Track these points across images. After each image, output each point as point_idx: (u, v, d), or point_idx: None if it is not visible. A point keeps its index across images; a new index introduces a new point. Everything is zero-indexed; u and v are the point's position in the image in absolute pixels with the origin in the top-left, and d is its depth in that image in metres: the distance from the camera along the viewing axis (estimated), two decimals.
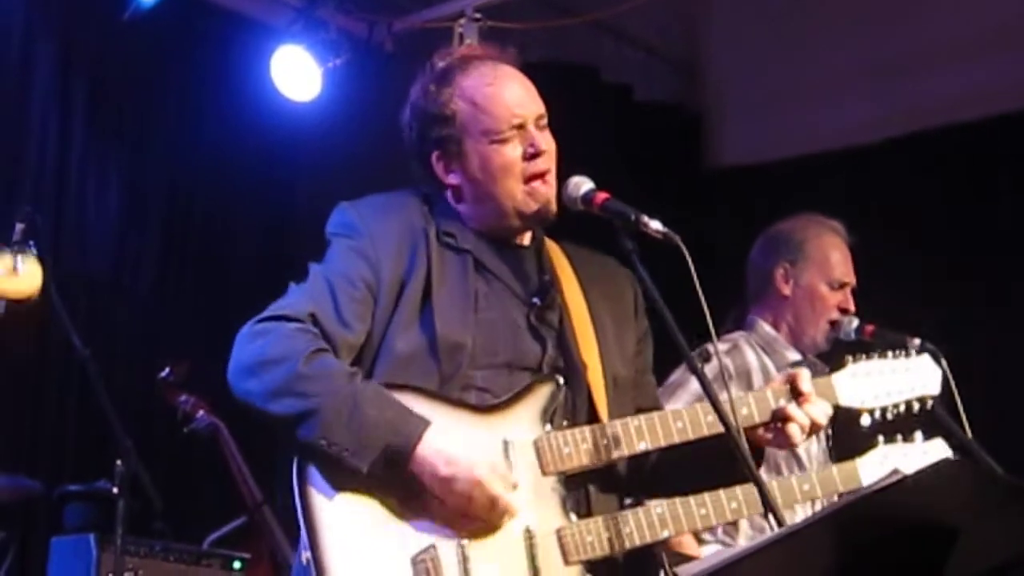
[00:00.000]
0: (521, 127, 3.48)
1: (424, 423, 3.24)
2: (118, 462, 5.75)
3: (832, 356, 4.66)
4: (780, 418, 3.43)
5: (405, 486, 3.25)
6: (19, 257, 2.97)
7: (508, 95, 3.51)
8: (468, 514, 3.25)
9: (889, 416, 3.60)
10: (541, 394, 3.40)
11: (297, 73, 7.65)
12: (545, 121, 3.53)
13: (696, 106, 8.96)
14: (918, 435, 3.66)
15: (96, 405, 5.74)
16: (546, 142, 3.50)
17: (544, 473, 3.34)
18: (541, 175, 3.47)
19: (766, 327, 4.84)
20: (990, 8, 7.50)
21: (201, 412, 6.44)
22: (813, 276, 4.79)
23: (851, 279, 4.84)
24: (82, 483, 6.39)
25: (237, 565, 6.61)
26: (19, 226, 5.79)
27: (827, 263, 4.81)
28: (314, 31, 7.67)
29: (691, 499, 3.40)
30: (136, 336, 7.34)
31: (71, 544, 6.39)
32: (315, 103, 7.71)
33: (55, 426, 7.23)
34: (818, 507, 3.86)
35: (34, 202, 6.82)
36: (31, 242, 5.72)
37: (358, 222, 3.50)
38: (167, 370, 6.49)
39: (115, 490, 5.79)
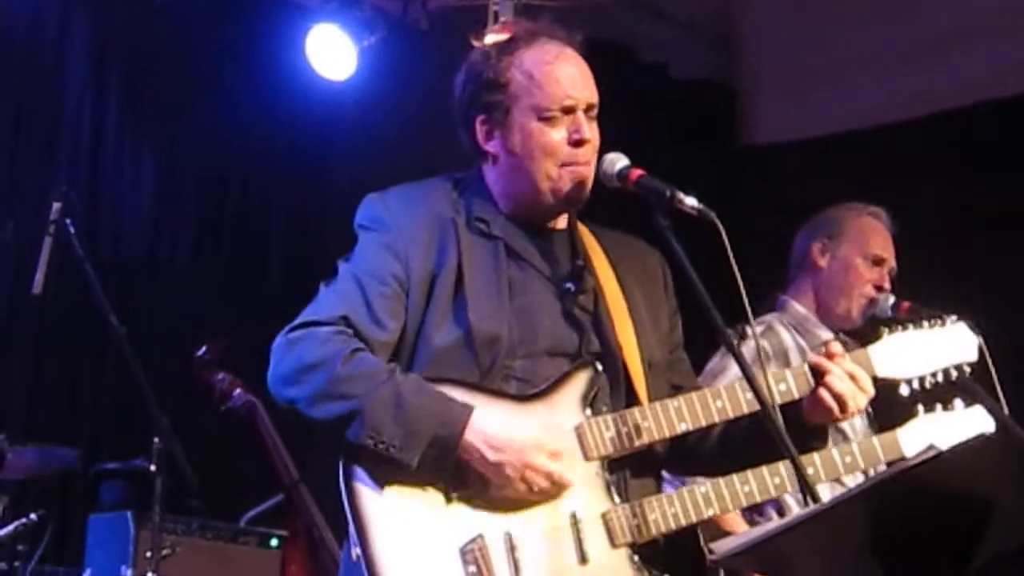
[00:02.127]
0: (570, 111, 3.47)
1: (468, 410, 3.26)
2: (155, 440, 5.80)
3: (867, 334, 4.68)
4: (820, 376, 3.43)
5: (450, 477, 3.28)
6: None
7: (564, 77, 3.48)
8: (523, 496, 3.28)
9: (928, 385, 3.60)
10: (580, 380, 3.41)
11: (332, 52, 7.67)
12: (595, 112, 3.52)
13: (731, 84, 8.96)
14: (958, 403, 3.66)
15: (133, 383, 5.79)
16: (591, 132, 3.49)
17: (587, 459, 3.36)
18: (579, 164, 3.47)
19: (797, 307, 4.87)
20: None
21: (237, 390, 6.48)
22: (849, 249, 4.83)
23: (889, 257, 4.86)
24: (119, 461, 6.44)
25: (274, 542, 6.65)
26: (55, 205, 5.85)
27: (863, 238, 4.85)
28: (349, 9, 7.68)
29: (734, 477, 3.41)
30: (172, 315, 7.39)
31: (108, 521, 6.44)
32: (350, 82, 7.72)
33: (92, 404, 7.30)
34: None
35: (70, 182, 6.88)
36: (70, 223, 5.78)
37: (386, 215, 3.50)
38: (203, 348, 6.53)
39: (152, 468, 5.84)
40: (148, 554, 5.87)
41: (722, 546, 3.14)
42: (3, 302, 6.98)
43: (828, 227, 4.92)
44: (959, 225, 7.30)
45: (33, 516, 6.11)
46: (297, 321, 3.39)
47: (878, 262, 4.84)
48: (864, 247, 4.84)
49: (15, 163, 7.20)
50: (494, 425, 3.27)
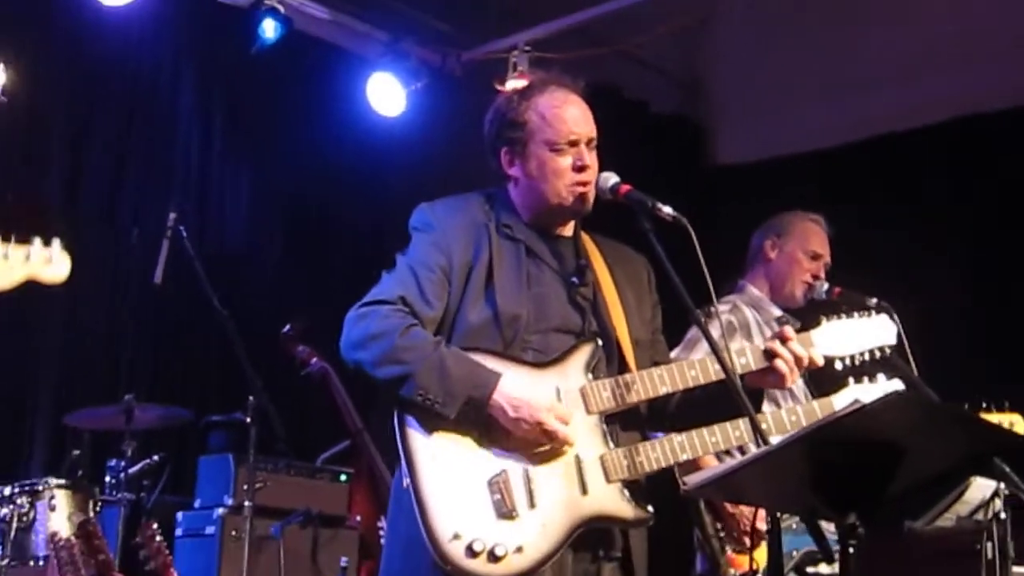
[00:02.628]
0: (574, 144, 3.47)
1: (496, 376, 3.27)
2: (250, 398, 5.84)
3: (806, 312, 4.68)
4: (772, 356, 3.44)
5: (481, 427, 3.30)
6: (54, 247, 2.91)
7: (570, 118, 3.49)
8: (535, 444, 3.29)
9: (857, 362, 3.58)
10: (584, 352, 3.41)
11: (387, 94, 7.70)
12: (594, 144, 3.52)
13: (699, 117, 8.92)
14: (881, 377, 3.64)
15: (233, 353, 5.82)
16: (591, 160, 3.50)
17: (588, 412, 3.37)
18: (582, 184, 3.48)
19: (753, 290, 4.86)
20: (942, 28, 7.38)
21: (314, 359, 6.49)
22: (794, 246, 4.82)
23: (825, 254, 4.86)
24: (222, 414, 6.47)
25: (343, 478, 6.66)
26: (172, 215, 5.89)
27: (805, 238, 4.85)
28: (400, 61, 7.70)
29: (704, 430, 3.40)
30: (263, 300, 7.39)
31: (214, 462, 6.47)
32: (401, 118, 7.75)
33: (201, 370, 7.32)
34: None
35: (183, 196, 6.92)
36: (183, 229, 5.81)
37: (433, 220, 3.50)
38: (288, 327, 6.54)
39: (248, 420, 5.89)
40: (245, 487, 5.93)
41: (692, 479, 3.15)
42: (131, 290, 7.01)
43: (778, 228, 4.91)
44: (879, 229, 7.25)
45: (155, 457, 6.16)
46: (364, 300, 3.41)
47: (816, 257, 4.83)
48: (805, 245, 4.84)
49: (140, 182, 7.22)
50: (516, 388, 3.28)
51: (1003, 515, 4.07)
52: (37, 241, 2.95)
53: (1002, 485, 4.11)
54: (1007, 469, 3.97)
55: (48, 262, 2.92)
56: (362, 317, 3.37)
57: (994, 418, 4.06)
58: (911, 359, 4.07)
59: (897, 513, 3.18)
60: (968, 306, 6.90)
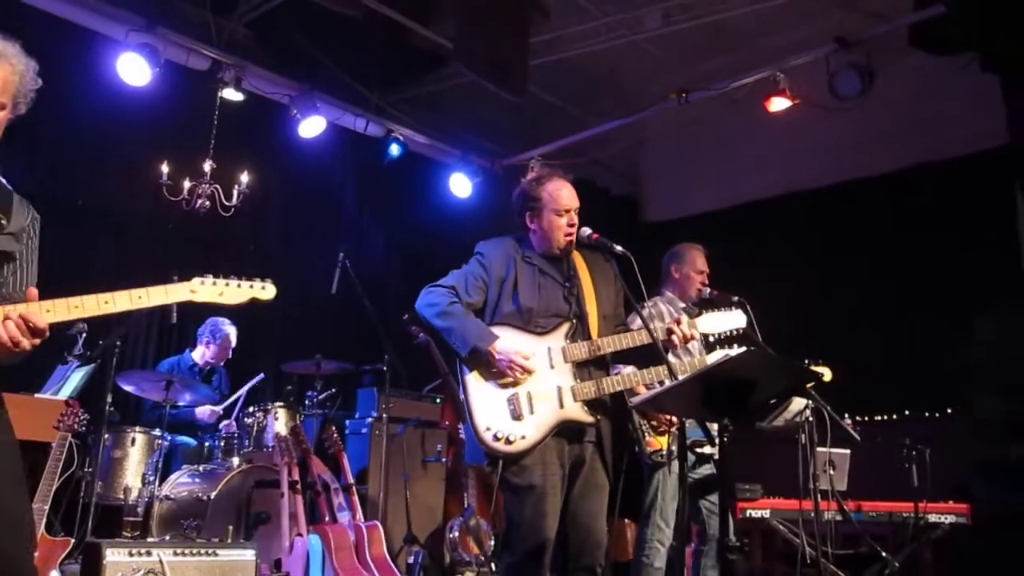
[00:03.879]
0: (567, 211, 3.48)
1: (495, 337, 3.27)
2: (386, 356, 5.85)
3: (700, 305, 4.63)
4: (670, 333, 3.43)
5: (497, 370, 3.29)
6: (267, 282, 2.98)
7: (565, 196, 3.49)
8: (515, 376, 3.28)
9: (723, 337, 3.57)
10: (565, 326, 3.40)
11: (460, 185, 7.73)
12: (577, 209, 3.53)
13: (638, 195, 8.90)
14: (736, 347, 3.64)
15: (376, 331, 5.84)
16: (575, 220, 3.50)
17: (566, 361, 3.36)
18: (570, 235, 3.49)
19: (669, 294, 4.75)
20: (779, 140, 7.34)
21: (421, 334, 6.47)
22: (688, 268, 4.69)
23: (706, 269, 4.68)
24: (370, 365, 6.49)
25: (437, 400, 6.66)
26: (340, 254, 5.92)
27: (694, 262, 4.69)
28: (468, 165, 7.74)
29: (636, 371, 3.40)
30: (392, 302, 7.31)
31: (366, 393, 6.49)
32: (469, 199, 7.78)
33: (358, 341, 7.29)
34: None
35: (347, 245, 6.93)
36: (347, 263, 5.85)
37: (484, 251, 3.53)
38: (406, 315, 6.50)
39: (384, 368, 5.90)
40: (383, 406, 5.94)
41: (635, 400, 3.16)
42: (319, 296, 6.98)
43: (678, 258, 4.74)
44: (738, 259, 7.15)
45: (333, 390, 6.18)
46: (435, 283, 3.44)
47: (701, 272, 4.74)
48: (695, 266, 4.71)
49: (323, 237, 7.30)
50: (505, 344, 3.27)
51: (811, 419, 4.05)
52: (257, 279, 3.01)
53: (809, 402, 4.09)
54: (813, 393, 3.94)
55: (263, 290, 2.98)
56: (430, 292, 3.42)
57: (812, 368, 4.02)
58: (757, 332, 4.04)
59: (751, 417, 3.18)
60: (796, 306, 6.82)
